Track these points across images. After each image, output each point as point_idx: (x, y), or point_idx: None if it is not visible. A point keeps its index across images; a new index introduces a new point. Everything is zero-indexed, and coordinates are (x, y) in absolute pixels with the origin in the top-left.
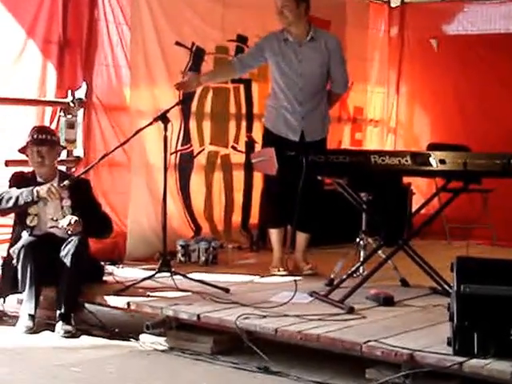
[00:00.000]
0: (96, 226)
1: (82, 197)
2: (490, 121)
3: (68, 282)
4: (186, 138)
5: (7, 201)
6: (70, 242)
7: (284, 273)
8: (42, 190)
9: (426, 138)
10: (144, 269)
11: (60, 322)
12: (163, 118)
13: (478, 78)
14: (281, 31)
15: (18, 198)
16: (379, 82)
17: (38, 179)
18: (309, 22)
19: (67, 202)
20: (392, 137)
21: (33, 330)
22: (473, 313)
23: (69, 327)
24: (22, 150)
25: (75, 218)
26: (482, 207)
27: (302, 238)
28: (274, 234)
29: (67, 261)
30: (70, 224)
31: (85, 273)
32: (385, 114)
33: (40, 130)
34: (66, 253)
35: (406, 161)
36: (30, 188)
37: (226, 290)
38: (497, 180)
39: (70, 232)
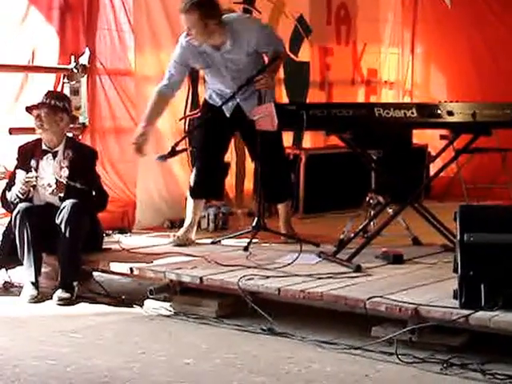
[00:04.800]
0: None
1: (82, 165)
2: (506, 78)
3: (64, 249)
4: (195, 103)
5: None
6: (63, 209)
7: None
8: (16, 188)
9: (442, 98)
10: (153, 237)
11: (59, 290)
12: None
13: (493, 34)
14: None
15: (15, 199)
16: (393, 43)
17: (43, 146)
18: (224, 27)
19: (65, 173)
20: (408, 99)
21: (37, 299)
22: (478, 263)
23: (65, 294)
24: (29, 110)
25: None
26: (501, 167)
27: (281, 209)
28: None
29: (62, 227)
30: (51, 185)
31: (83, 239)
32: (400, 76)
33: (47, 93)
34: (61, 220)
35: (412, 113)
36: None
37: (317, 245)
38: None
39: (54, 193)
